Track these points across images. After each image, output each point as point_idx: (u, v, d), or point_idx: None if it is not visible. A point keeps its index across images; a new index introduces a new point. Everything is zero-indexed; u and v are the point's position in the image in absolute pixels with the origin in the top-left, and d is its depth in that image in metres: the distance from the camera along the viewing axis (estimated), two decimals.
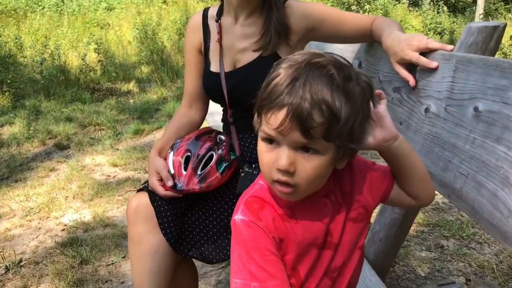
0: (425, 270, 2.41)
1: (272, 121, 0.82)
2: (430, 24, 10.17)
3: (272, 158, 0.85)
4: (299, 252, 0.93)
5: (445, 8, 12.62)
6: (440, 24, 10.13)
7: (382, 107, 0.94)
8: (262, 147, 0.87)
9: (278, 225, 0.91)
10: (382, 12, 11.37)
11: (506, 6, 15.34)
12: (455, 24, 11.09)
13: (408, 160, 0.99)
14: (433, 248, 2.61)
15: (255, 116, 0.89)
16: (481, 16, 12.65)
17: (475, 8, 13.89)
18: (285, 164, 0.82)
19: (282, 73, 0.84)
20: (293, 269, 0.93)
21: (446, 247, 2.62)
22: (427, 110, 1.26)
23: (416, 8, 13.26)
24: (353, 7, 11.18)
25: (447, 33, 9.62)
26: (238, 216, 0.92)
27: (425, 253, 2.57)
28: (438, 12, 12.23)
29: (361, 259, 1.04)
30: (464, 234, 2.72)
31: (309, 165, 0.83)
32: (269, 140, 0.85)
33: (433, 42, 1.27)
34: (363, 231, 1.01)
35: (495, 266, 2.41)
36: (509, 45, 7.63)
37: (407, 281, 2.33)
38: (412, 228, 2.32)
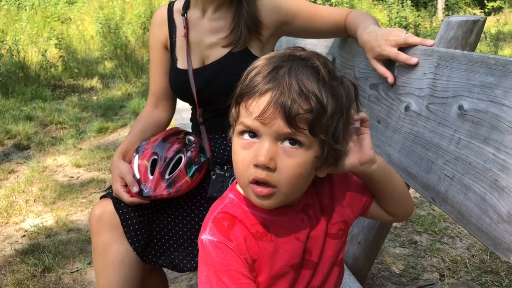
0: (400, 267, 2.38)
1: (253, 109, 0.75)
2: (396, 18, 10.24)
3: (250, 154, 0.77)
4: (273, 273, 0.85)
5: (409, 1, 12.76)
6: (405, 18, 10.21)
7: (366, 129, 0.87)
8: (238, 142, 0.79)
9: (251, 245, 0.83)
10: (348, 6, 11.43)
11: (465, 1, 15.60)
12: (419, 17, 11.22)
13: (386, 182, 0.92)
14: (407, 244, 2.60)
15: (233, 108, 0.81)
16: (443, 10, 12.84)
17: (436, 2, 14.12)
18: (265, 158, 0.74)
19: (264, 62, 0.79)
20: None
21: (419, 243, 2.60)
22: (407, 108, 1.21)
23: (381, 2, 13.37)
24: (319, 1, 11.18)
25: (412, 27, 9.70)
26: (206, 236, 0.83)
27: (399, 249, 2.55)
28: (402, 6, 12.36)
29: (341, 274, 0.97)
30: (437, 229, 2.72)
31: (291, 161, 0.76)
32: (248, 133, 0.78)
33: (412, 37, 1.22)
34: (343, 246, 0.95)
35: (467, 261, 2.41)
36: None
37: (382, 279, 2.30)
38: None
